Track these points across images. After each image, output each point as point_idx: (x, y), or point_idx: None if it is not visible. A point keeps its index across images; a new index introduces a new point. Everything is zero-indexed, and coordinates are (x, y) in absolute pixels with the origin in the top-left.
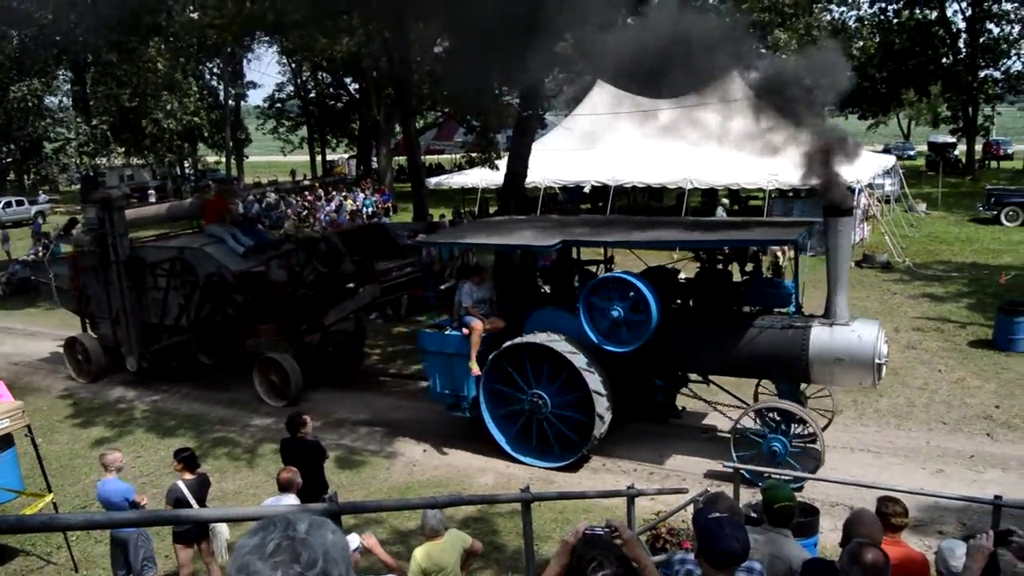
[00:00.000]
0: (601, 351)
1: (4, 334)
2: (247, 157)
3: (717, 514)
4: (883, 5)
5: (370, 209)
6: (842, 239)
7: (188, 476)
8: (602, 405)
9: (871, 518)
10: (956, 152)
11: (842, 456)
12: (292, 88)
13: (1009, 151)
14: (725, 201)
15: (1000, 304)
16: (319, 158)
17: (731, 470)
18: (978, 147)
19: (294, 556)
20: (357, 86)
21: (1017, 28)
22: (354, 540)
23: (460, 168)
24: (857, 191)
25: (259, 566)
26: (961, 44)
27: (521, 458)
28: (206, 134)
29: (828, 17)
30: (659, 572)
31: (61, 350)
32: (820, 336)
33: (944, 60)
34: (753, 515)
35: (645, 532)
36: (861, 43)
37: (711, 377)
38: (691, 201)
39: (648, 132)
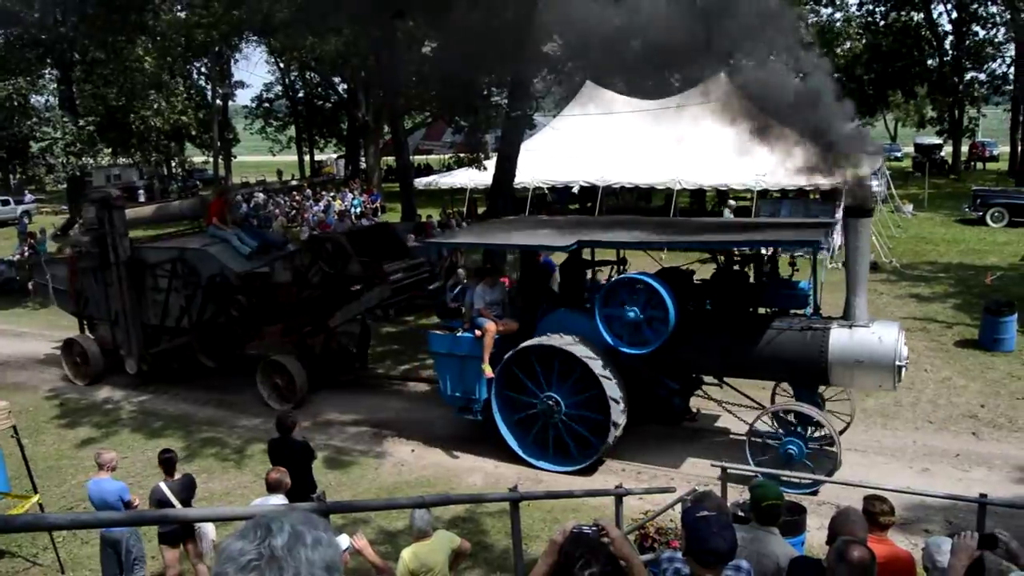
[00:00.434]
0: (616, 353)
1: None
2: (235, 157)
3: (705, 513)
4: (870, 7)
5: (358, 209)
6: (862, 240)
7: (170, 477)
8: (617, 411)
9: (857, 516)
10: (942, 153)
11: None
12: (280, 88)
13: (994, 152)
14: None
15: (986, 304)
16: (307, 158)
17: (718, 469)
18: (964, 148)
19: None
20: (345, 86)
21: (1003, 31)
22: (344, 541)
23: (448, 168)
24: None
25: None
26: (947, 46)
27: (537, 464)
28: (194, 133)
29: (813, 19)
30: (647, 571)
31: (51, 350)
32: (840, 338)
33: (930, 62)
34: (740, 514)
35: (633, 531)
36: (848, 44)
37: (725, 380)
38: (679, 202)
39: (637, 132)
